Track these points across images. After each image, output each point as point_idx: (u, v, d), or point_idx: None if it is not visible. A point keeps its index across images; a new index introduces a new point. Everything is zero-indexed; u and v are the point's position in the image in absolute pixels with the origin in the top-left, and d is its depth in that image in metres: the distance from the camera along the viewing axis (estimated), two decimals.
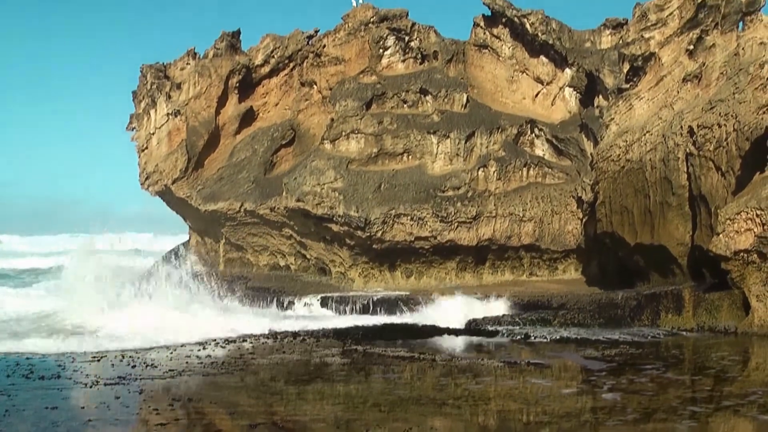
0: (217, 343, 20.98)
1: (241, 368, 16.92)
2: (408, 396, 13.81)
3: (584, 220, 32.91)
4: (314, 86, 38.52)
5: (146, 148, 40.60)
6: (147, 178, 40.12)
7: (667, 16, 28.96)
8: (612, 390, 14.16)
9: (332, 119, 35.82)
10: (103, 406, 12.57)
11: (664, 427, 11.28)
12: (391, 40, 37.53)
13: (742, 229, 21.72)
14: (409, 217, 32.70)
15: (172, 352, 19.35)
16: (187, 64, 40.40)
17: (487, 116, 35.99)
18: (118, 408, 12.59)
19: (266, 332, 23.15)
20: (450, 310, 26.77)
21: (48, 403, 12.62)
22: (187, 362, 17.71)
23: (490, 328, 23.93)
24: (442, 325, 24.40)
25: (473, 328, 24.35)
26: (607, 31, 37.11)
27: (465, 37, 38.81)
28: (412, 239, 32.91)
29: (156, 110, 40.08)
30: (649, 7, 29.26)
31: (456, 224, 32.82)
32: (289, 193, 34.30)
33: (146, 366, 16.97)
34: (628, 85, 29.94)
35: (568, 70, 36.62)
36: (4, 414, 11.75)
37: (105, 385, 14.44)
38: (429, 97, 36.16)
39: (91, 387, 14.32)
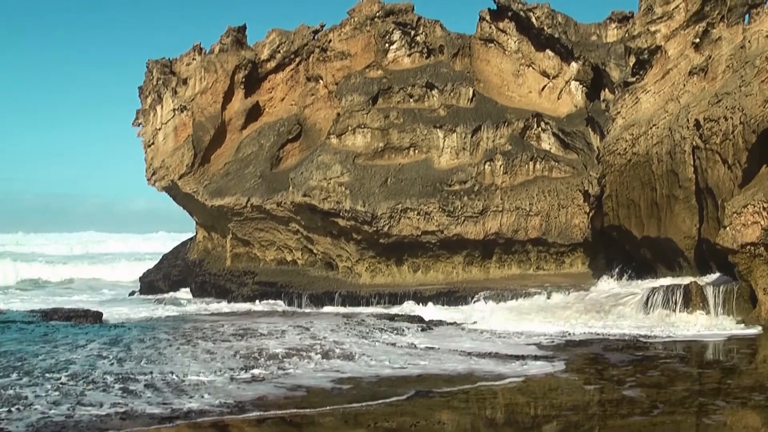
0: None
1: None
2: (416, 389, 13.84)
3: (591, 213, 32.91)
4: (320, 81, 38.56)
5: (153, 143, 40.69)
6: (153, 174, 40.21)
7: (673, 9, 28.90)
8: (620, 383, 14.18)
9: (338, 114, 35.87)
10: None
11: (673, 419, 11.31)
12: (397, 35, 37.53)
13: (749, 222, 21.69)
14: (415, 212, 32.76)
15: None
16: (193, 59, 40.44)
17: (493, 110, 36.00)
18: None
19: None
20: None
21: None
22: None
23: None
24: None
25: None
26: (613, 25, 37.06)
27: (471, 31, 38.98)
28: (419, 233, 32.97)
29: (162, 106, 40.15)
30: (655, 0, 29.21)
31: (463, 218, 32.86)
32: (295, 188, 34.35)
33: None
34: (634, 79, 29.90)
35: (574, 64, 36.58)
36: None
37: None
38: (435, 92, 36.17)
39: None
